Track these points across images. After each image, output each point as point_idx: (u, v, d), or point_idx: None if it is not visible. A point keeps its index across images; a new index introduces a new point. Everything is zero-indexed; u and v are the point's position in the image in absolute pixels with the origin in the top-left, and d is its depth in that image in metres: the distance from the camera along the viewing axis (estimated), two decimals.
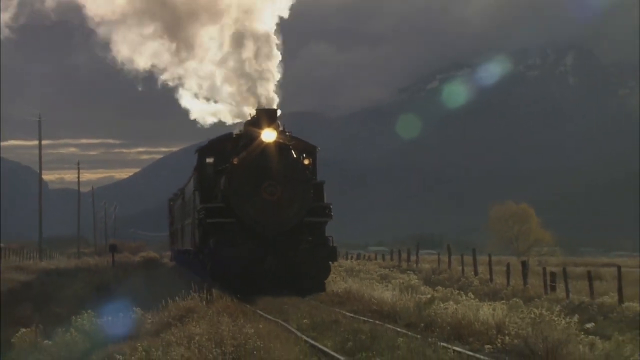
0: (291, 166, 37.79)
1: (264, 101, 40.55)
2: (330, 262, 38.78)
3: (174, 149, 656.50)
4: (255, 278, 36.65)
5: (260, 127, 37.90)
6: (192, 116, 48.90)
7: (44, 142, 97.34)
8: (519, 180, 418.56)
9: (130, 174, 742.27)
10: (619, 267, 37.98)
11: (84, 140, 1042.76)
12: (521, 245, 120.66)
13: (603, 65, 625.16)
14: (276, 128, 38.19)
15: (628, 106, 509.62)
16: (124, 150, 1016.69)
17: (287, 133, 39.46)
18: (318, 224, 38.92)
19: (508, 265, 47.32)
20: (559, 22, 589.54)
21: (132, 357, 17.54)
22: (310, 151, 40.47)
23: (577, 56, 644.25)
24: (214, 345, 18.89)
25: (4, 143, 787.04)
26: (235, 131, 42.19)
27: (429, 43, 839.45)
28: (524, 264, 46.62)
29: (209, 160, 41.94)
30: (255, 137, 38.04)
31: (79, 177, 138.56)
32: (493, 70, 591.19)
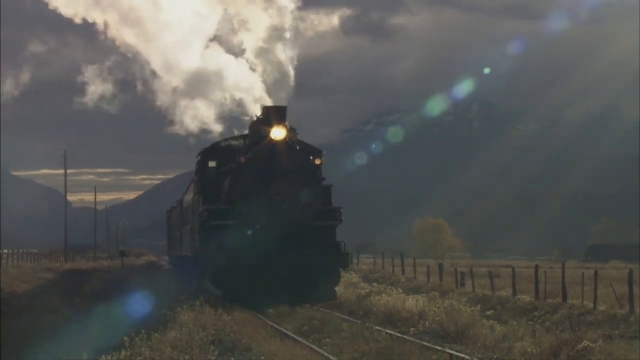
0: (302, 165, 29.63)
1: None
2: (340, 269, 30.92)
3: (169, 176, 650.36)
4: (260, 285, 28.57)
5: (269, 125, 29.29)
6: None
7: (68, 171, 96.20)
8: (435, 198, 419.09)
9: (136, 195, 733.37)
10: (513, 268, 38.09)
11: (99, 170, 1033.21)
12: (438, 251, 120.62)
13: (499, 113, 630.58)
14: (286, 126, 29.52)
15: (517, 143, 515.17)
16: (131, 177, 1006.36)
17: (297, 134, 30.89)
18: (328, 228, 30.74)
19: (428, 267, 47.27)
20: (466, 80, 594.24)
21: (137, 338, 17.32)
22: (317, 154, 32.26)
23: (480, 106, 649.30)
24: (199, 329, 18.77)
25: (38, 172, 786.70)
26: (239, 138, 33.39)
27: (366, 94, 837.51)
28: (440, 266, 46.67)
29: (212, 163, 33.15)
30: (263, 135, 29.43)
31: (95, 198, 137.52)
32: (417, 116, 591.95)
